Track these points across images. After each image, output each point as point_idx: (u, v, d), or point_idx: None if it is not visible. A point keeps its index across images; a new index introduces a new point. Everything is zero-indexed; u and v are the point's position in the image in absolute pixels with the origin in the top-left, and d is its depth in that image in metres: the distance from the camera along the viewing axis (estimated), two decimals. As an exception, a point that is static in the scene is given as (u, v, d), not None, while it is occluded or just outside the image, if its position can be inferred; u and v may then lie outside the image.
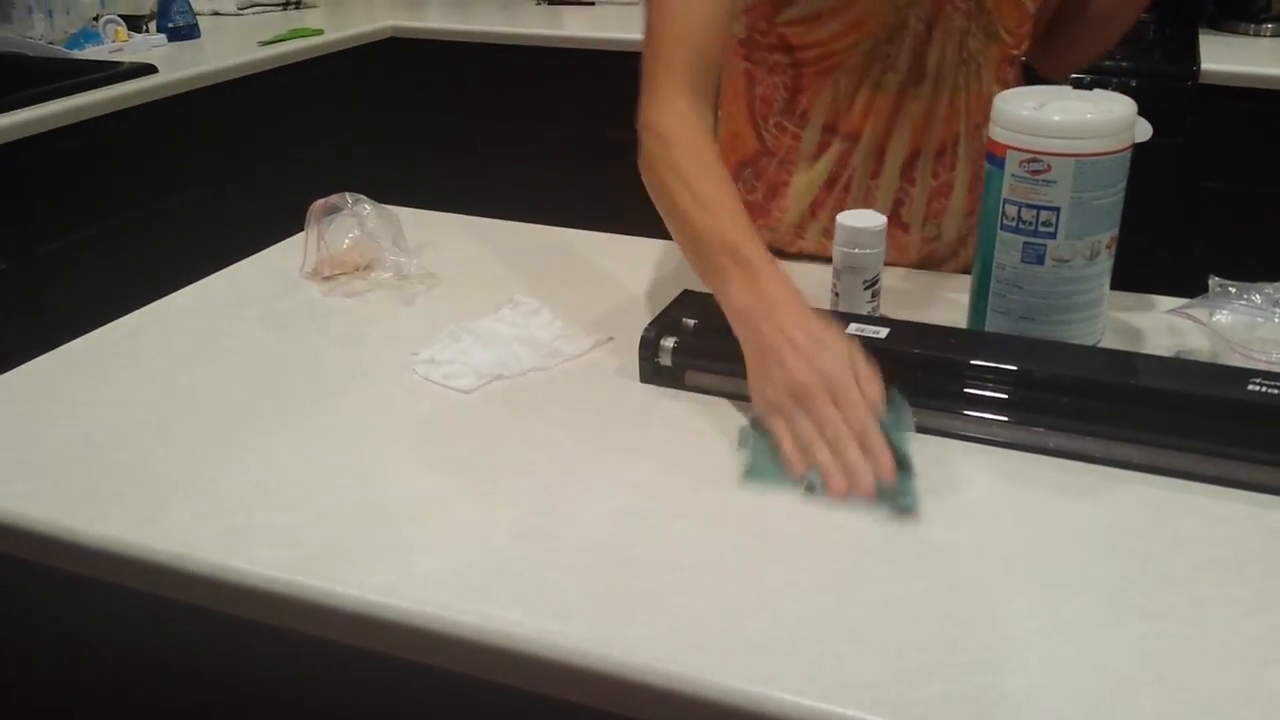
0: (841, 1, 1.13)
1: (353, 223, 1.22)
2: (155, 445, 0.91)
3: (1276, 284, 1.03)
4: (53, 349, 1.07)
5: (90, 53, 2.46)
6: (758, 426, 0.89)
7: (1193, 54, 2.38)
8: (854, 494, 0.81)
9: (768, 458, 0.86)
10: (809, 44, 1.17)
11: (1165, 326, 1.07)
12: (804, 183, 1.24)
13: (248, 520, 0.81)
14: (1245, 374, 0.88)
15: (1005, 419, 0.89)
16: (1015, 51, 1.20)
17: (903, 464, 0.83)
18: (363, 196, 1.22)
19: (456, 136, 2.92)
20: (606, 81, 2.74)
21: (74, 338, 1.09)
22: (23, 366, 1.05)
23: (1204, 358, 0.99)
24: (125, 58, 2.40)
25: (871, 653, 0.67)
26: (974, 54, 1.17)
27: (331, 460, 0.89)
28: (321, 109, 2.72)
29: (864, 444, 0.83)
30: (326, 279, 1.23)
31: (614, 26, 2.83)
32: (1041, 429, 0.88)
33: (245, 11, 3.01)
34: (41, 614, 0.93)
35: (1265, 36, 2.60)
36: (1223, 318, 1.03)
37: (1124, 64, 2.36)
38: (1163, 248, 2.30)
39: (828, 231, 1.17)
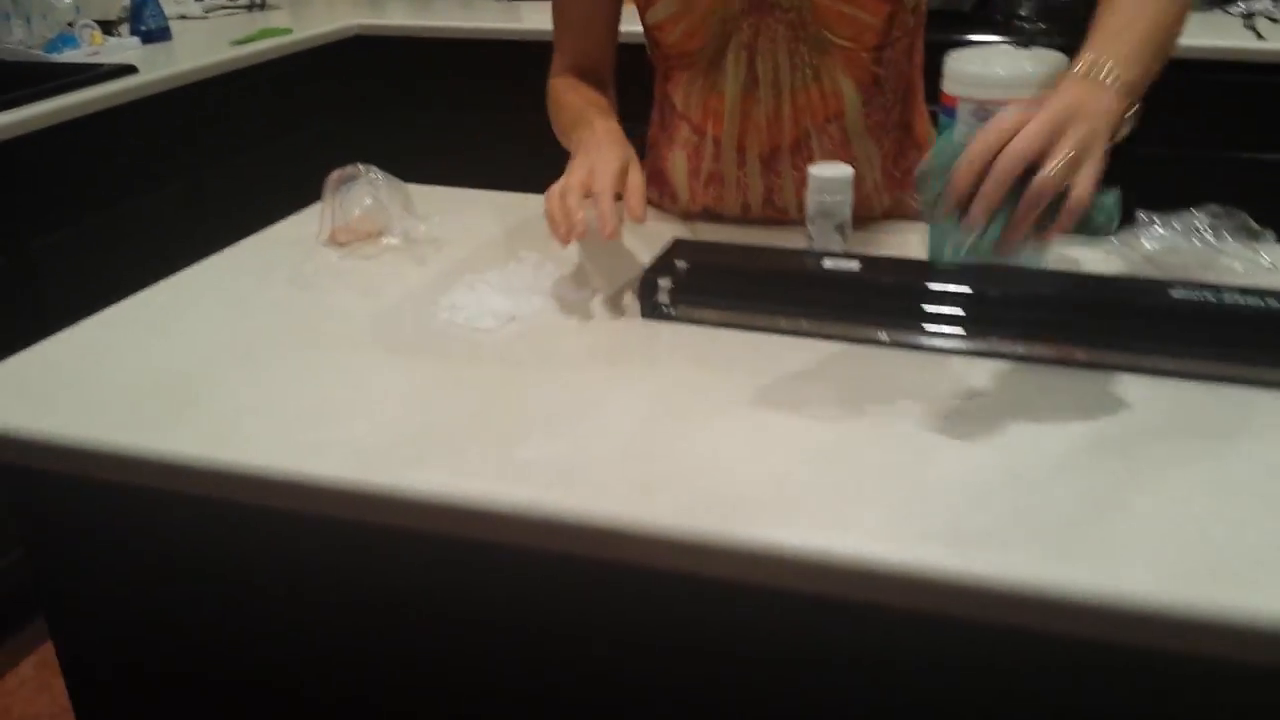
0: (681, 11, 1.26)
1: (365, 192, 1.33)
2: (218, 380, 1.02)
3: (1193, 211, 1.17)
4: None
5: (68, 56, 2.54)
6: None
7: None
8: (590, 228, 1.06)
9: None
10: (669, 45, 1.31)
11: (1102, 256, 1.22)
12: (675, 166, 1.39)
13: (315, 437, 0.92)
14: (1168, 284, 1.02)
15: (964, 332, 1.03)
16: (868, 52, 1.26)
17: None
18: (374, 167, 1.33)
19: (425, 128, 3.02)
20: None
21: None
22: (81, 323, 1.15)
23: (1133, 279, 1.14)
24: (102, 60, 2.48)
25: (863, 502, 0.80)
26: (808, 60, 1.26)
27: (378, 386, 1.00)
28: (293, 105, 2.81)
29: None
30: (341, 244, 1.34)
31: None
32: (996, 338, 1.02)
33: (211, 14, 3.09)
34: (135, 532, 1.04)
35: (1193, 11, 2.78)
36: (1149, 244, 1.18)
37: (1056, 40, 2.51)
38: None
39: (717, 216, 1.38)
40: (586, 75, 1.38)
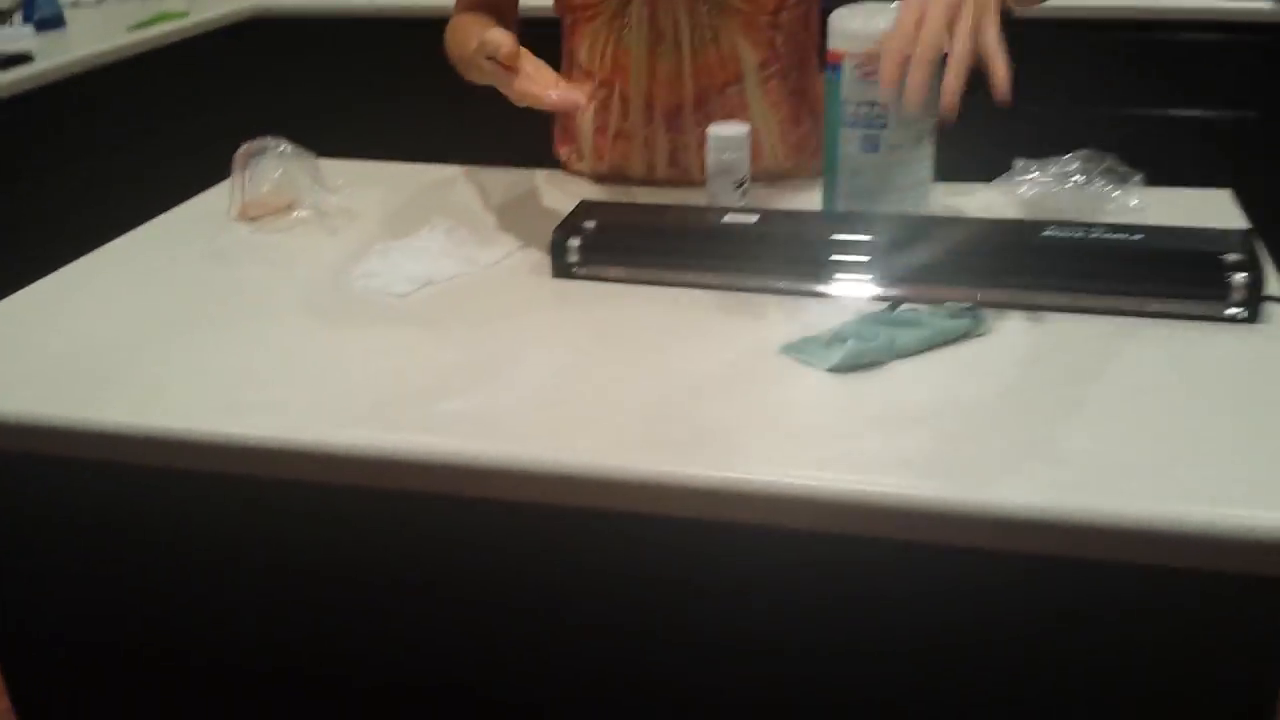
0: None
1: (274, 165, 1.35)
2: (137, 351, 1.04)
3: (1067, 157, 1.25)
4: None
5: (-43, 46, 2.49)
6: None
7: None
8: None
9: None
10: (582, 10, 1.36)
11: (983, 204, 1.29)
12: (583, 124, 1.43)
13: (238, 399, 0.95)
14: (1041, 225, 1.10)
15: (855, 277, 1.09)
16: (769, 15, 1.32)
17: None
18: (283, 140, 1.36)
19: (327, 108, 3.01)
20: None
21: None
22: (9, 299, 1.16)
23: (1013, 223, 1.21)
24: (-7, 49, 2.44)
25: (756, 434, 0.86)
26: (705, 21, 1.31)
27: (298, 351, 1.04)
28: (193, 89, 2.79)
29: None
30: (253, 219, 1.36)
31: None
32: (883, 283, 1.08)
33: (104, 1, 3.04)
34: (66, 503, 1.06)
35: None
36: (1026, 190, 1.26)
37: None
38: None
39: (624, 178, 1.42)
40: (489, 13, 1.40)
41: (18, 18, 2.73)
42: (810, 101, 1.41)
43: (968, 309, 1.02)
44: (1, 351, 1.06)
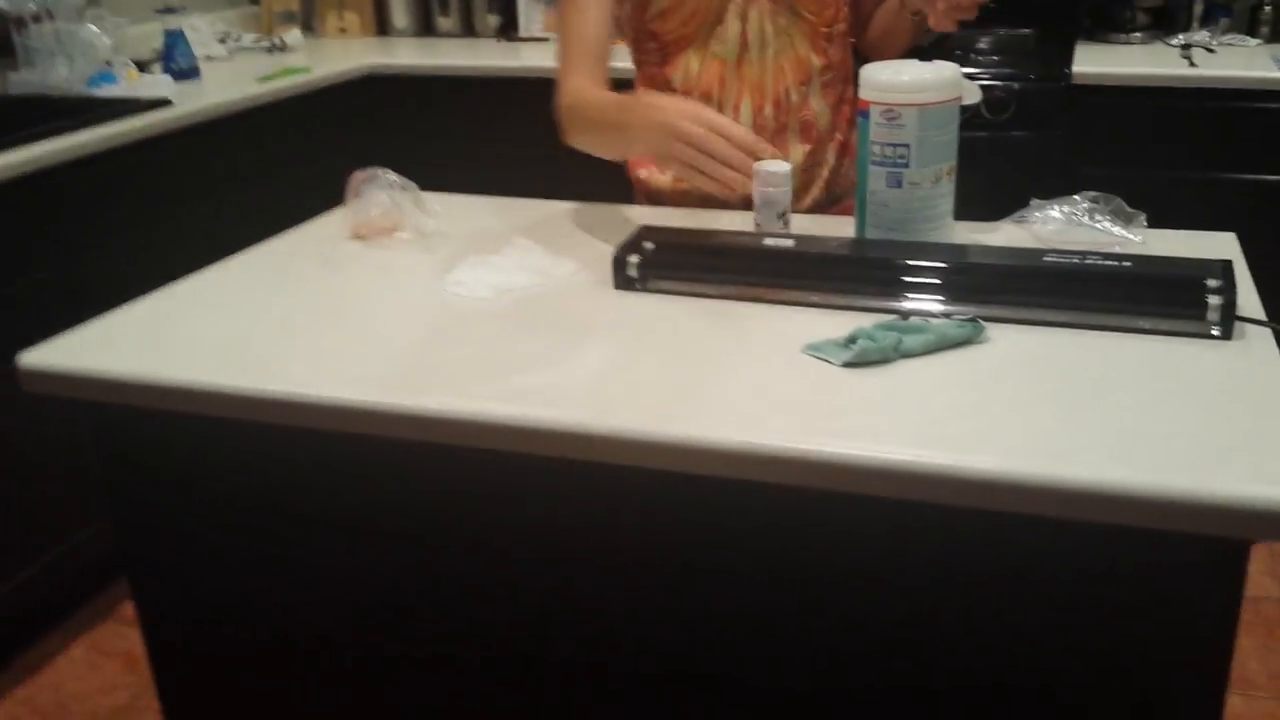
0: (679, 1, 1.57)
1: (381, 192, 1.56)
2: (265, 334, 1.25)
3: (1077, 197, 1.40)
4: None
5: (107, 91, 2.79)
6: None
7: (1066, 61, 2.79)
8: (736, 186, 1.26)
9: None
10: (666, 30, 1.60)
11: (998, 238, 1.44)
12: None
13: (347, 373, 1.15)
14: (1042, 251, 1.25)
15: (878, 293, 1.25)
16: (826, 29, 1.62)
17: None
18: (390, 170, 1.57)
19: (431, 156, 3.26)
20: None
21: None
22: (146, 297, 1.38)
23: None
24: (138, 95, 2.73)
25: (780, 411, 1.03)
26: (784, 29, 1.59)
27: (397, 339, 1.23)
28: (313, 136, 3.06)
29: (742, 145, 1.27)
30: (362, 238, 1.57)
31: (568, 57, 3.21)
32: (901, 299, 1.24)
33: (235, 55, 3.35)
34: (204, 460, 1.26)
35: (1135, 44, 3.03)
36: (1041, 225, 1.41)
37: (1007, 70, 2.76)
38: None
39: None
40: (601, 84, 1.58)
41: (157, 68, 3.03)
42: (852, 114, 1.65)
43: (968, 320, 1.18)
44: (153, 331, 1.28)
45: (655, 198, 1.71)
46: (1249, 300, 1.23)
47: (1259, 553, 2.49)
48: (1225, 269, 1.20)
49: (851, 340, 1.15)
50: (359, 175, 1.56)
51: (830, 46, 1.63)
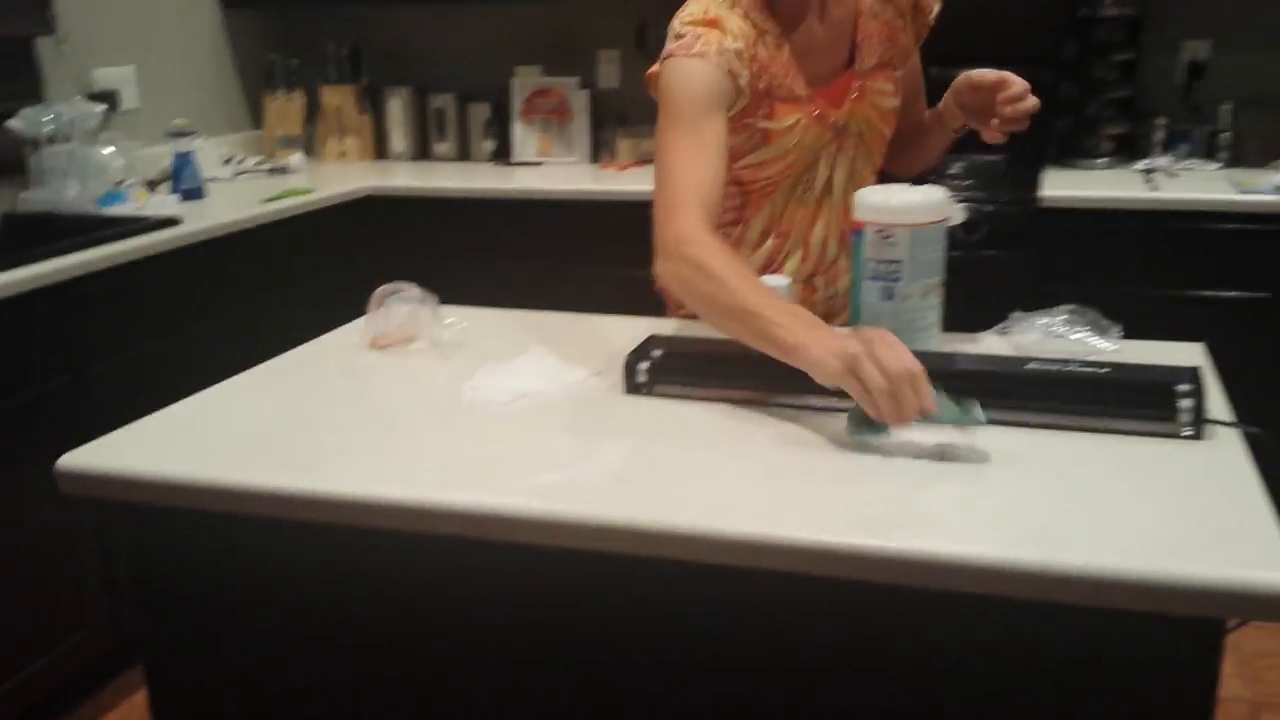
0: (780, 153, 1.63)
1: (403, 304, 1.65)
2: (294, 437, 1.32)
3: (1055, 310, 1.50)
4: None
5: (117, 210, 2.89)
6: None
7: (1036, 185, 2.95)
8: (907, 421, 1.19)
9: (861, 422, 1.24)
10: (756, 179, 1.66)
11: (983, 347, 1.54)
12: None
13: (376, 469, 1.22)
14: (1025, 360, 1.34)
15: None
16: (879, 165, 1.75)
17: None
18: (411, 284, 1.66)
19: (430, 273, 3.36)
20: (555, 225, 3.24)
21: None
22: (174, 405, 1.45)
23: (1009, 362, 1.46)
24: (148, 214, 2.83)
25: (789, 505, 1.10)
26: (859, 171, 1.70)
27: (422, 439, 1.30)
28: (315, 253, 3.16)
29: (912, 381, 1.18)
30: (381, 348, 1.65)
31: (559, 180, 3.36)
32: (898, 401, 1.33)
33: (239, 177, 3.48)
34: (231, 557, 1.32)
35: (1100, 169, 3.20)
36: (1022, 336, 1.51)
37: (980, 193, 2.91)
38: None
39: None
40: (715, 229, 1.50)
41: (165, 188, 3.15)
42: None
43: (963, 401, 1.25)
44: (190, 435, 1.35)
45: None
46: (1217, 403, 1.32)
47: (1229, 655, 2.55)
48: (1195, 375, 1.29)
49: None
50: (383, 289, 1.65)
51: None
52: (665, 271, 1.47)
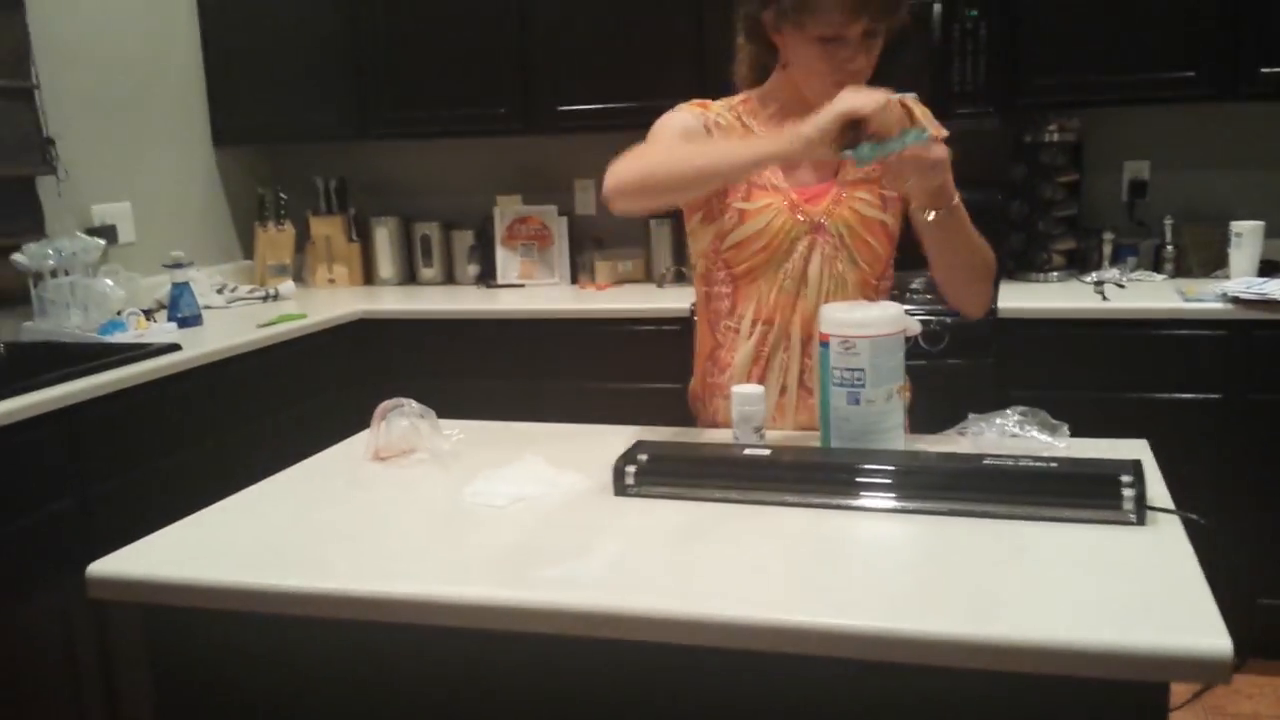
0: (754, 233, 1.78)
1: (404, 418, 1.76)
2: (309, 542, 1.42)
3: (1007, 411, 1.63)
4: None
5: (118, 338, 3.01)
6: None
7: (992, 298, 3.11)
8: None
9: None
10: (741, 261, 1.80)
11: (942, 446, 1.66)
12: (741, 358, 1.84)
13: (389, 568, 1.32)
14: (981, 456, 1.47)
15: (841, 494, 1.45)
16: (875, 281, 1.81)
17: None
18: (411, 400, 1.78)
19: (421, 391, 3.47)
20: (538, 342, 3.38)
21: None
22: (199, 513, 1.55)
23: (968, 459, 1.58)
24: (147, 341, 2.95)
25: (762, 587, 1.21)
26: (841, 273, 1.79)
27: (426, 540, 1.41)
28: (309, 375, 3.28)
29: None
30: (383, 459, 1.76)
31: (541, 301, 3.51)
32: (862, 497, 1.44)
33: (233, 304, 3.61)
34: (257, 655, 1.40)
35: (1053, 282, 3.38)
36: (978, 436, 1.63)
37: (940, 307, 3.07)
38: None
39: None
40: None
41: (162, 316, 3.27)
42: None
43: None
44: (209, 543, 1.44)
45: (712, 422, 1.89)
46: (1159, 492, 1.45)
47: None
48: (1136, 467, 1.42)
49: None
50: (385, 404, 1.77)
51: (876, 298, 1.80)
52: (615, 166, 1.65)
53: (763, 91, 1.84)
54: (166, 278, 3.28)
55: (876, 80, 1.68)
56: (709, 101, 1.84)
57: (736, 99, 1.85)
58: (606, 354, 3.34)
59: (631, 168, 1.65)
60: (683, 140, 1.77)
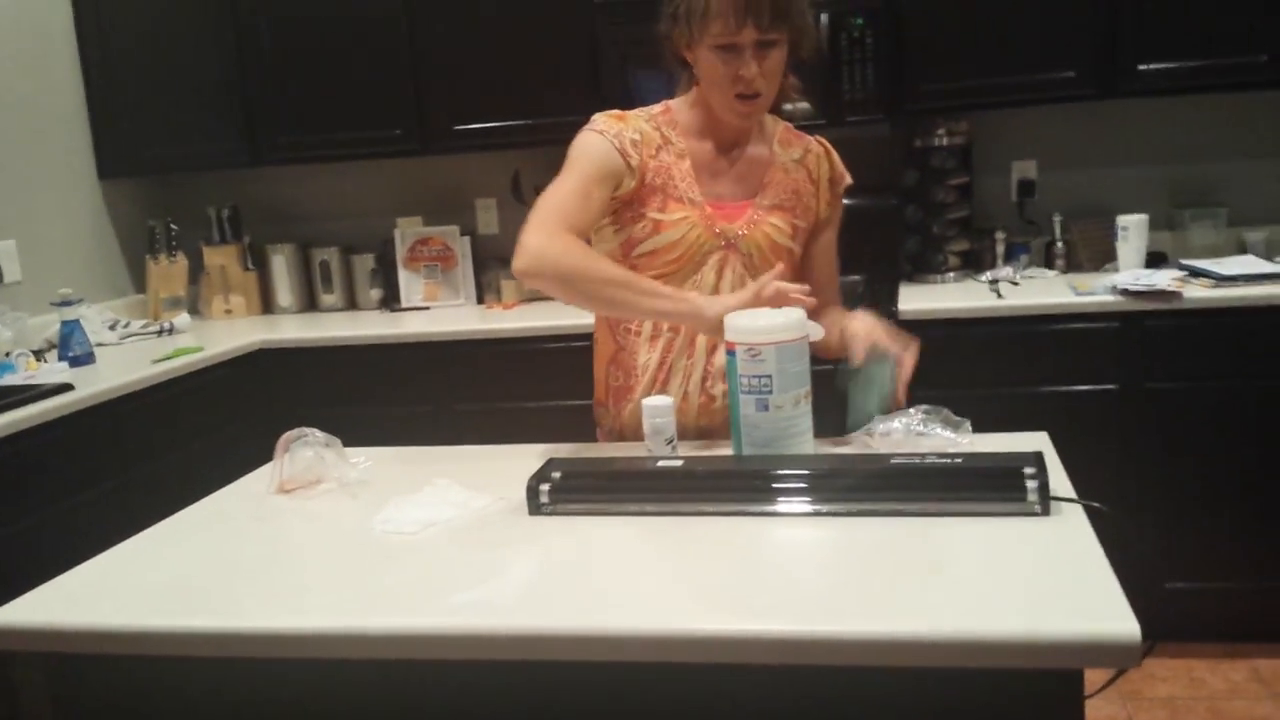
0: (668, 244, 1.79)
1: (308, 448, 1.72)
2: (212, 581, 1.38)
3: (912, 411, 1.66)
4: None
5: (6, 380, 2.90)
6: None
7: (893, 300, 3.17)
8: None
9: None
10: (650, 269, 1.80)
11: (851, 448, 1.68)
12: (645, 364, 1.85)
13: (294, 604, 1.29)
14: (889, 456, 1.49)
15: (753, 500, 1.46)
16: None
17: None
18: (315, 430, 1.74)
19: (325, 421, 3.42)
20: (445, 364, 3.35)
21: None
22: (93, 559, 1.50)
23: (876, 459, 1.60)
24: (38, 382, 2.85)
25: (675, 596, 1.21)
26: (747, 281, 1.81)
27: (338, 570, 1.38)
28: (209, 408, 3.20)
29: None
30: (288, 492, 1.72)
31: (447, 322, 3.47)
32: (776, 502, 1.45)
33: (126, 340, 3.50)
34: (162, 697, 1.36)
35: (950, 283, 3.45)
36: (885, 436, 1.66)
37: (844, 311, 3.11)
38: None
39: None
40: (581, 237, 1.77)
41: (52, 356, 3.17)
42: None
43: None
44: (111, 586, 1.39)
45: (618, 434, 1.90)
46: (1061, 482, 1.48)
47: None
48: (1038, 458, 1.45)
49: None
50: (287, 435, 1.73)
51: None
52: (537, 245, 1.68)
53: (680, 102, 1.87)
54: (56, 316, 3.17)
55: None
56: (626, 113, 1.85)
57: (656, 108, 1.88)
58: (516, 373, 3.32)
59: (553, 263, 1.68)
60: (598, 185, 1.76)
